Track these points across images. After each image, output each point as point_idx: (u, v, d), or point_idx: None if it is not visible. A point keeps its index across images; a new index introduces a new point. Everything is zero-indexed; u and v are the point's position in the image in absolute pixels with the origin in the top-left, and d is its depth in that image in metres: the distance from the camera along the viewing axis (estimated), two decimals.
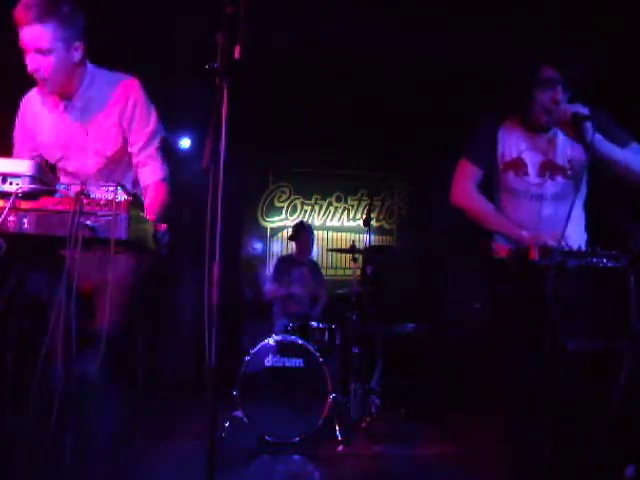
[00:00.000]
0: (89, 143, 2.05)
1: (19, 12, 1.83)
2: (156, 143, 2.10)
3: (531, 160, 2.13)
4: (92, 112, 2.04)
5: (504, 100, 2.21)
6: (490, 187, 2.24)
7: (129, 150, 2.09)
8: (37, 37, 1.84)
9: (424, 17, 4.14)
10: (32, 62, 1.88)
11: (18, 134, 2.15)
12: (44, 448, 1.60)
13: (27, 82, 2.01)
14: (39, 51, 1.86)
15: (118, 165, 2.10)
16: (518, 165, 2.13)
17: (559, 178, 2.11)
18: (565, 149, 2.10)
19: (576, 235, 2.06)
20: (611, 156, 1.99)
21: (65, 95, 2.03)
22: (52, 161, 2.10)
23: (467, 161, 2.20)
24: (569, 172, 2.10)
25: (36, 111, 2.10)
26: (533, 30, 3.71)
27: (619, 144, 2.02)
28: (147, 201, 2.03)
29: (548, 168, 2.11)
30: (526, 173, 2.13)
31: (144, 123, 2.07)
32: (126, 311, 1.95)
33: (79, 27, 1.94)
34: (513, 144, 2.15)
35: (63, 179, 2.10)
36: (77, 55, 1.96)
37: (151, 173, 2.09)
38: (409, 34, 4.37)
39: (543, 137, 2.13)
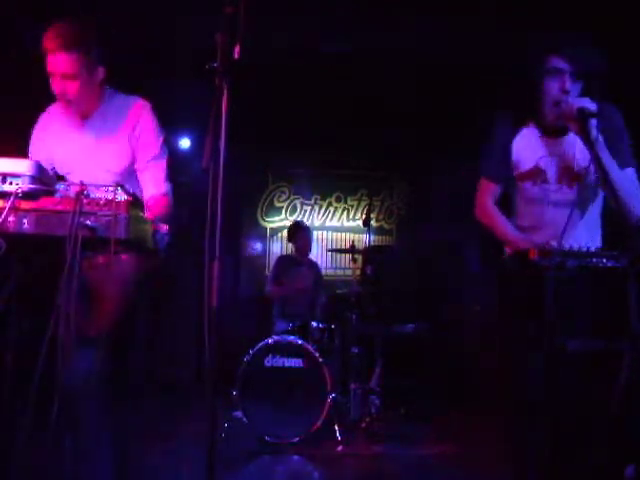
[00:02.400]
0: (100, 159, 2.13)
1: (47, 40, 1.94)
2: (161, 163, 2.18)
3: (549, 166, 2.07)
4: (106, 131, 2.14)
5: (516, 101, 2.16)
6: (508, 194, 2.21)
7: (135, 167, 2.17)
8: (63, 64, 1.96)
9: (424, 17, 4.14)
10: (58, 86, 2.00)
11: (34, 146, 2.23)
12: (44, 448, 1.60)
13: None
14: (65, 76, 1.98)
15: (126, 181, 2.15)
16: (536, 174, 2.08)
17: (577, 185, 2.04)
18: (584, 154, 2.00)
19: (591, 243, 2.02)
20: (604, 162, 1.89)
21: (83, 114, 2.14)
22: (62, 173, 2.18)
23: (484, 179, 2.21)
24: (586, 178, 2.02)
25: (54, 125, 2.20)
26: (533, 30, 3.71)
27: (616, 158, 1.92)
28: (147, 210, 2.04)
29: (566, 174, 2.05)
30: (545, 180, 2.07)
31: (151, 143, 2.16)
32: (127, 312, 1.96)
33: (102, 52, 2.06)
34: (529, 153, 2.09)
35: None
36: (99, 78, 2.08)
37: (154, 187, 2.15)
38: (409, 34, 4.37)
39: (561, 141, 2.06)
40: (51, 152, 2.18)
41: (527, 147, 2.10)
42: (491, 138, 2.20)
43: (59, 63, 1.96)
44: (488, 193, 2.19)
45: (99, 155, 2.13)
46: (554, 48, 1.95)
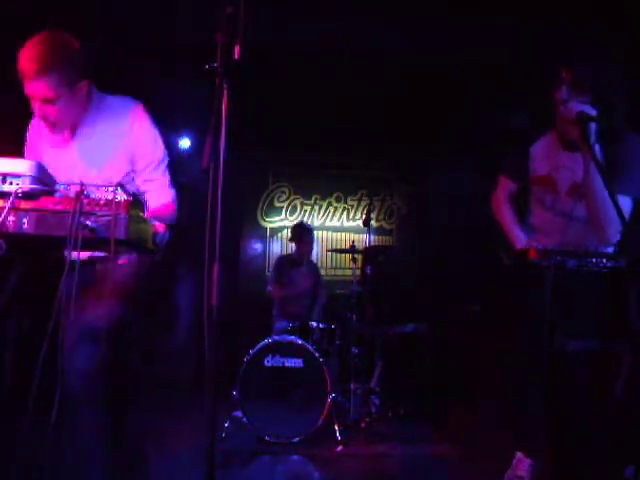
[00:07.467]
0: (93, 170, 2.03)
1: (22, 65, 1.81)
2: (162, 169, 2.10)
3: (561, 179, 2.10)
4: (97, 140, 2.03)
5: (539, 111, 2.19)
6: (524, 197, 2.27)
7: (135, 178, 2.08)
8: (41, 89, 1.84)
9: (424, 17, 4.14)
10: (40, 110, 1.89)
11: (28, 154, 2.16)
12: (44, 448, 1.60)
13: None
14: (45, 101, 1.86)
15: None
16: (548, 182, 2.12)
17: (584, 202, 2.01)
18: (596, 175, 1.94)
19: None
20: (588, 173, 1.88)
21: (72, 125, 2.03)
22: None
23: (503, 176, 2.34)
24: None
25: (43, 137, 2.10)
26: (534, 31, 3.71)
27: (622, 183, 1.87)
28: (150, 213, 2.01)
29: (575, 189, 2.06)
30: (555, 190, 2.10)
31: (151, 150, 2.07)
32: (124, 311, 1.95)
33: (81, 66, 1.93)
34: (546, 161, 2.13)
35: None
36: (82, 93, 1.96)
37: (158, 197, 2.08)
38: (410, 34, 4.37)
39: (578, 156, 2.03)
40: (44, 162, 2.10)
41: (545, 154, 2.15)
42: (514, 139, 2.29)
43: (37, 89, 1.84)
44: (505, 190, 2.32)
45: (90, 165, 2.04)
46: (563, 60, 1.99)
